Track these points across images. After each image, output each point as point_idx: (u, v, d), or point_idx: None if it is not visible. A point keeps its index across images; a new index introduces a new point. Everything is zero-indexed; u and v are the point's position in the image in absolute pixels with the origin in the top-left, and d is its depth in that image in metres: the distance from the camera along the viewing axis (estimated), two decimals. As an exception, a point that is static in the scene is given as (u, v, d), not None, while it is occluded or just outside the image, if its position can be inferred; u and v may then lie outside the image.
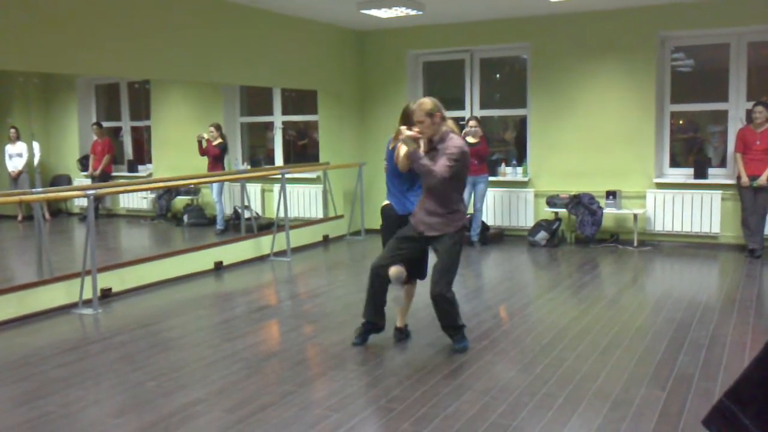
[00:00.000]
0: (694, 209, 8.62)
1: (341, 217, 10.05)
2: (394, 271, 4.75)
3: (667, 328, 5.29)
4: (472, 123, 8.85)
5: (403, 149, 4.78)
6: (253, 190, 10.60)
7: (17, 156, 11.19)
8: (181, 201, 11.30)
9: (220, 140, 9.96)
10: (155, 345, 5.14)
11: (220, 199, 9.99)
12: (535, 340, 5.08)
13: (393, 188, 5.04)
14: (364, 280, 7.03)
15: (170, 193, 11.21)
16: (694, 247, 8.68)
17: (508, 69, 10.65)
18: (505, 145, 10.53)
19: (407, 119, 4.85)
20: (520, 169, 9.62)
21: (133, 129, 12.31)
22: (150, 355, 4.89)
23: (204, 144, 9.96)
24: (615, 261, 8.04)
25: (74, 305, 6.17)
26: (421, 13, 8.27)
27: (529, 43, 9.37)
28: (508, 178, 9.63)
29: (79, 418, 3.83)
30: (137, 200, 11.79)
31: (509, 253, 8.73)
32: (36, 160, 11.18)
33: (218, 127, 10.03)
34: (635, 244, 8.74)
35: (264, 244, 8.56)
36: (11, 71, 9.07)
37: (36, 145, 11.28)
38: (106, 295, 6.51)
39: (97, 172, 11.27)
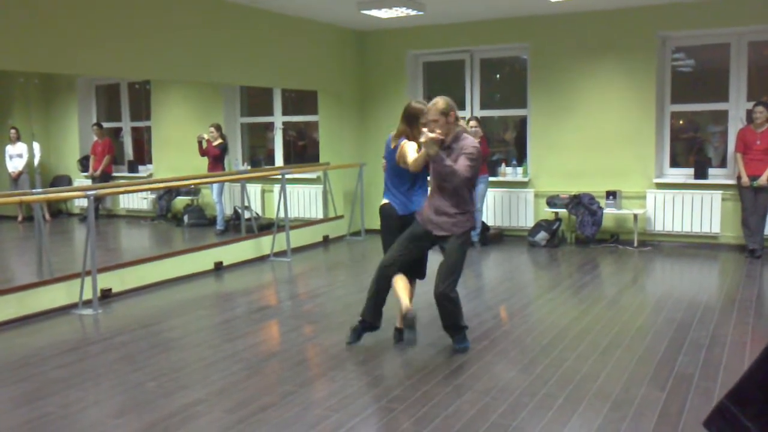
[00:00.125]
0: (695, 209, 8.61)
1: (341, 217, 10.05)
2: (408, 316, 4.61)
3: (667, 329, 5.29)
4: (472, 123, 8.85)
5: (409, 149, 4.71)
6: (254, 190, 10.60)
7: (17, 157, 11.20)
8: (181, 201, 11.30)
9: (220, 141, 9.96)
10: (155, 345, 5.14)
11: (220, 200, 9.99)
12: (535, 340, 5.08)
13: (393, 188, 4.98)
14: (364, 281, 7.05)
15: (170, 193, 11.21)
16: (694, 247, 8.67)
17: (508, 69, 10.65)
18: (505, 146, 10.53)
19: (412, 118, 4.82)
20: (520, 170, 9.62)
21: (134, 129, 12.32)
22: (150, 355, 4.89)
23: (204, 144, 9.96)
24: (615, 261, 8.04)
25: (74, 306, 6.17)
26: (421, 13, 8.28)
27: (529, 44, 9.37)
28: (508, 178, 9.63)
29: (79, 419, 3.83)
30: (137, 201, 11.79)
31: (509, 253, 8.73)
32: (36, 161, 11.18)
33: (218, 128, 10.04)
34: (635, 244, 8.74)
35: (264, 244, 8.57)
36: (12, 71, 9.07)
37: (36, 146, 11.28)
38: (107, 295, 6.51)
39: (98, 172, 11.27)
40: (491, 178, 9.29)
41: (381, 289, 4.87)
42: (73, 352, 5.01)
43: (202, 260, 7.69)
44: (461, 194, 4.69)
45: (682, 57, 9.19)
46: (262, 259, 8.43)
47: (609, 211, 8.83)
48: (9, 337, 5.45)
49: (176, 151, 11.25)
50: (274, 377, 4.43)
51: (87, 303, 6.17)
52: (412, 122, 4.86)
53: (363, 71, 10.35)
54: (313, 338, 5.31)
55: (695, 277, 7.44)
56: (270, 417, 3.77)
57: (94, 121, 12.15)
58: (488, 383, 4.22)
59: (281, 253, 8.54)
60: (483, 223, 9.21)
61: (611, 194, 8.81)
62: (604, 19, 8.83)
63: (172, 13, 7.30)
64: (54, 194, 7.76)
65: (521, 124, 9.93)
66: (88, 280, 6.17)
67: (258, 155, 11.66)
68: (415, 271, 4.99)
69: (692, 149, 9.59)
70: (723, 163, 8.86)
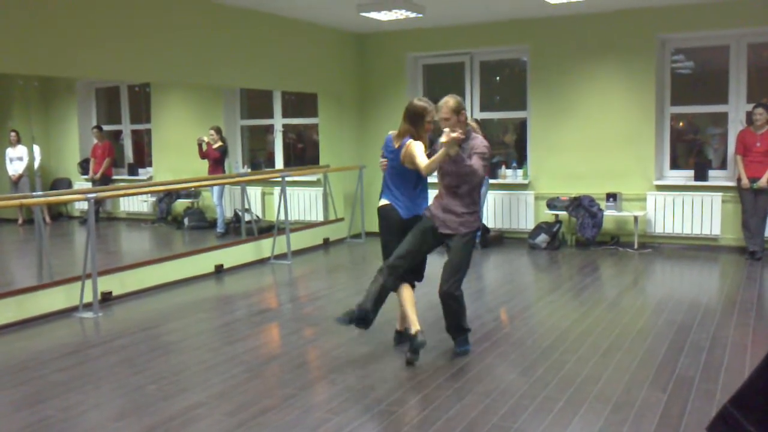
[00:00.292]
0: (695, 211, 8.61)
1: (341, 219, 10.05)
2: (419, 339, 4.53)
3: (667, 331, 5.29)
4: (473, 130, 8.84)
5: (417, 150, 4.59)
6: (254, 193, 10.60)
7: (18, 159, 11.20)
8: (181, 204, 11.30)
9: (220, 143, 9.96)
10: (156, 348, 5.13)
11: (220, 202, 9.99)
12: (535, 342, 5.08)
13: (395, 190, 4.83)
14: (364, 283, 7.03)
15: (171, 196, 11.22)
16: (694, 249, 8.67)
17: (508, 71, 10.66)
18: (505, 148, 10.53)
19: (416, 117, 4.71)
20: (520, 172, 9.61)
21: (134, 132, 12.32)
22: (150, 358, 4.88)
23: (204, 147, 9.97)
24: (615, 263, 8.04)
25: (75, 309, 6.17)
26: (421, 15, 8.27)
27: (529, 46, 9.37)
28: (509, 180, 9.63)
29: (80, 422, 3.82)
30: (138, 203, 11.79)
31: (509, 255, 8.73)
32: (36, 164, 11.19)
33: (218, 130, 10.04)
34: (636, 246, 8.74)
35: (264, 247, 8.56)
36: (11, 74, 9.07)
37: (36, 149, 11.29)
38: (107, 298, 6.51)
39: (98, 175, 11.27)
40: (491, 181, 9.30)
41: (388, 283, 4.67)
42: (74, 355, 5.01)
43: (203, 263, 7.68)
44: (471, 194, 4.69)
45: (682, 59, 9.20)
46: (262, 261, 8.43)
47: (609, 213, 8.82)
48: (9, 340, 5.44)
49: (176, 153, 11.25)
50: (275, 380, 4.42)
51: (87, 306, 6.16)
52: (416, 121, 4.74)
53: (363, 74, 10.35)
54: (313, 341, 5.31)
55: (696, 279, 7.44)
56: (270, 420, 3.76)
57: (94, 123, 12.15)
58: (489, 386, 4.22)
59: (281, 256, 8.53)
60: (483, 225, 9.21)
61: (611, 196, 8.81)
62: (604, 21, 8.84)
63: (172, 15, 7.31)
64: (54, 197, 7.76)
65: (521, 126, 9.93)
66: (88, 283, 6.17)
67: (258, 158, 11.66)
68: (414, 273, 4.92)
69: (692, 151, 9.59)
70: (723, 165, 8.86)
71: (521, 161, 9.79)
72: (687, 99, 9.03)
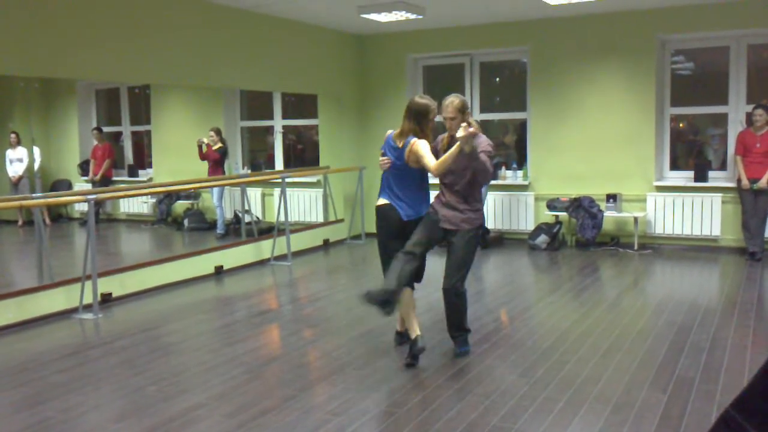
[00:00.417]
0: (695, 212, 8.61)
1: (342, 221, 10.05)
2: (419, 345, 4.50)
3: (667, 331, 5.29)
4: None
5: (424, 149, 4.51)
6: (254, 194, 10.60)
7: (18, 161, 11.19)
8: (181, 205, 11.30)
9: (220, 144, 9.96)
10: (156, 350, 5.13)
11: (220, 204, 9.99)
12: (536, 343, 5.08)
13: (397, 190, 4.72)
14: (364, 284, 7.05)
15: (171, 197, 11.21)
16: (694, 250, 8.67)
17: (508, 72, 10.66)
18: (506, 149, 10.53)
19: (421, 115, 4.62)
20: (520, 173, 9.61)
21: (134, 133, 12.31)
22: (150, 359, 4.88)
23: (204, 148, 9.96)
24: (615, 264, 8.03)
25: (74, 310, 6.17)
26: (421, 17, 8.28)
27: (529, 47, 9.38)
28: (509, 181, 9.63)
29: (80, 424, 3.82)
30: (138, 205, 11.78)
31: (510, 256, 8.73)
32: (36, 165, 11.17)
33: (218, 132, 10.04)
34: (636, 247, 8.73)
35: (264, 248, 8.56)
36: (12, 76, 9.07)
37: (36, 150, 11.27)
38: (107, 299, 6.51)
39: (98, 176, 11.26)
40: (491, 182, 9.28)
41: (406, 269, 4.51)
42: (74, 356, 5.01)
43: (203, 264, 7.68)
44: (472, 191, 4.68)
45: (682, 60, 9.20)
46: (262, 263, 8.43)
47: (609, 214, 8.82)
48: (9, 341, 5.44)
49: (176, 155, 11.24)
50: (275, 381, 4.42)
51: (87, 307, 6.16)
52: (421, 119, 4.63)
53: (363, 75, 10.36)
54: (313, 342, 5.30)
55: (696, 280, 7.44)
56: (270, 421, 3.76)
57: (94, 125, 12.14)
58: (489, 387, 4.22)
59: (282, 257, 8.53)
60: (476, 232, 9.18)
61: (611, 197, 8.81)
62: (604, 22, 8.84)
63: (172, 17, 7.31)
64: (54, 198, 7.75)
65: (521, 127, 9.93)
66: (88, 284, 6.17)
67: (258, 159, 11.66)
68: (414, 274, 4.80)
69: (692, 152, 9.59)
70: (723, 166, 8.86)
71: (521, 162, 9.79)
72: (687, 100, 9.03)
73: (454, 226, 4.67)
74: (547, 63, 9.26)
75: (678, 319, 5.60)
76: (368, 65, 10.32)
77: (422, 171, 4.70)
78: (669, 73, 8.96)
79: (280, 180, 8.63)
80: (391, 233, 4.74)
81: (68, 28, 6.30)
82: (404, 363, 4.60)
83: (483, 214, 4.86)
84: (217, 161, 9.95)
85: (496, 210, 9.60)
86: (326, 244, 9.63)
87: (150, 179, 11.61)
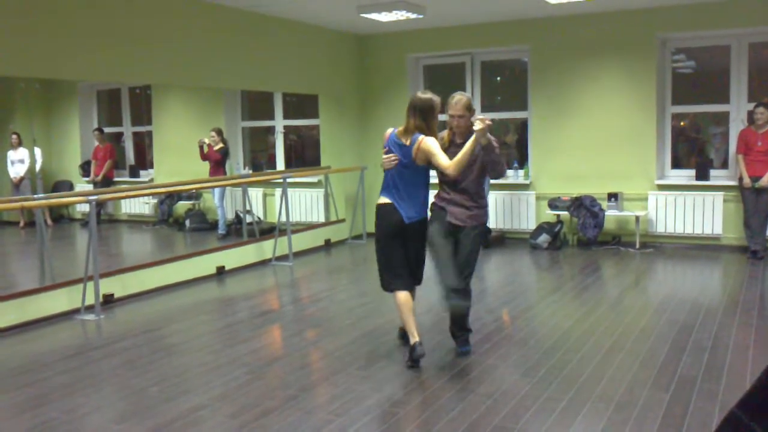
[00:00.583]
0: (696, 211, 8.60)
1: (343, 221, 10.05)
2: (418, 351, 4.47)
3: (669, 330, 5.28)
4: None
5: (435, 146, 4.42)
6: (255, 194, 10.60)
7: (19, 162, 11.20)
8: (182, 206, 11.30)
9: (221, 145, 9.96)
10: (157, 350, 5.13)
11: (221, 204, 9.99)
12: (537, 343, 5.08)
13: (403, 190, 4.57)
14: (366, 285, 7.06)
15: (172, 198, 11.22)
16: (696, 248, 8.66)
17: (509, 72, 10.66)
18: (507, 148, 10.52)
19: (427, 111, 4.51)
20: (521, 172, 9.61)
21: (135, 134, 12.32)
22: (152, 360, 4.88)
23: (205, 149, 9.97)
24: (617, 263, 8.03)
25: (76, 311, 6.17)
26: (421, 16, 8.28)
27: (530, 46, 9.37)
28: (510, 180, 9.62)
29: (82, 425, 3.82)
30: (139, 205, 11.79)
31: (511, 256, 8.73)
32: (38, 166, 11.19)
33: (219, 132, 10.04)
34: (637, 246, 8.73)
35: (266, 248, 8.56)
36: (13, 77, 9.08)
37: (38, 151, 11.29)
38: (108, 300, 6.51)
39: (99, 177, 11.27)
40: (492, 181, 9.27)
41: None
42: (76, 357, 5.01)
43: (204, 265, 7.68)
44: (476, 188, 4.67)
45: (683, 58, 9.19)
46: (264, 263, 8.43)
47: (611, 213, 8.82)
48: (11, 343, 5.45)
49: (177, 155, 11.25)
50: (277, 382, 4.42)
51: (89, 308, 6.17)
52: (428, 115, 4.52)
53: (363, 75, 10.35)
54: (315, 342, 5.31)
55: (697, 278, 7.43)
56: (272, 422, 3.76)
57: (96, 126, 12.16)
58: (491, 386, 4.21)
59: (283, 257, 8.53)
60: (481, 229, 9.18)
61: (613, 196, 8.80)
62: (604, 21, 8.83)
63: (173, 18, 7.31)
64: (55, 199, 7.75)
65: (522, 126, 9.93)
66: (90, 285, 6.17)
67: (259, 159, 11.67)
68: (412, 277, 4.76)
69: (693, 151, 9.59)
70: (724, 165, 8.85)
71: (522, 161, 9.78)
72: (688, 98, 9.03)
73: (461, 222, 4.64)
74: (547, 62, 9.26)
75: (680, 318, 5.60)
76: (369, 65, 10.32)
77: (426, 170, 4.63)
78: (670, 72, 8.96)
79: (281, 180, 8.63)
80: (391, 234, 4.62)
81: (69, 29, 6.30)
82: (405, 365, 4.58)
83: (487, 210, 4.86)
84: (218, 161, 9.95)
85: (497, 209, 9.59)
86: (328, 245, 9.63)
87: (151, 180, 11.62)
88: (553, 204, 9.06)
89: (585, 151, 9.12)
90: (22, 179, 11.12)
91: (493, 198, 9.50)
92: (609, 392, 4.06)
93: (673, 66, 9.01)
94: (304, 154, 11.54)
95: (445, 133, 4.72)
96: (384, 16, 8.18)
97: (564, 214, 9.04)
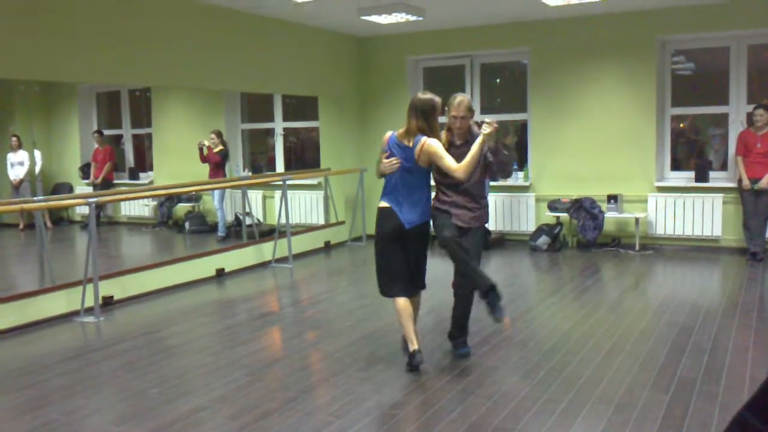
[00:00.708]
0: (696, 213, 8.61)
1: (343, 223, 10.05)
2: (416, 359, 4.44)
3: (669, 332, 5.28)
4: (476, 128, 8.84)
5: (441, 149, 4.36)
6: (255, 196, 10.60)
7: (19, 164, 11.20)
8: (182, 208, 11.30)
9: (221, 147, 9.97)
10: (157, 352, 5.13)
11: (221, 206, 9.99)
12: (537, 344, 5.08)
13: (405, 193, 4.48)
14: (365, 286, 7.06)
15: (171, 200, 11.21)
16: (695, 250, 8.66)
17: (509, 74, 10.66)
18: (506, 150, 10.51)
19: (430, 112, 4.44)
20: (521, 174, 9.62)
21: (135, 136, 12.32)
22: (152, 362, 4.88)
23: (205, 151, 9.97)
24: (617, 265, 8.03)
25: (76, 313, 6.17)
26: (421, 18, 8.27)
27: (529, 48, 9.38)
28: (510, 182, 9.61)
29: (82, 427, 3.82)
30: (138, 208, 11.79)
31: (511, 257, 8.73)
32: (37, 169, 11.19)
33: (219, 134, 10.04)
34: (637, 248, 8.73)
35: (265, 250, 8.56)
36: (13, 79, 9.08)
37: (37, 154, 11.29)
38: (108, 302, 6.51)
39: (99, 179, 11.27)
40: (492, 183, 9.27)
41: (461, 259, 4.48)
42: (75, 359, 5.01)
43: (204, 267, 7.68)
44: (479, 189, 4.67)
45: (682, 60, 9.20)
46: (263, 265, 8.43)
47: (610, 215, 8.82)
48: (11, 345, 5.45)
49: (177, 157, 11.25)
50: (277, 383, 4.42)
51: (89, 310, 6.16)
52: (430, 116, 4.44)
53: (363, 77, 10.36)
54: (315, 344, 5.30)
55: (697, 280, 7.43)
56: (272, 423, 3.76)
57: (95, 128, 12.16)
58: (490, 388, 4.21)
59: (283, 260, 8.53)
60: (484, 229, 9.19)
61: (612, 198, 8.81)
62: (604, 23, 8.84)
63: (173, 19, 7.32)
64: (55, 202, 7.75)
65: (522, 128, 9.93)
66: (89, 287, 6.17)
67: (259, 161, 11.67)
68: (415, 281, 4.69)
69: (693, 152, 9.59)
70: (724, 167, 8.86)
71: (522, 163, 9.78)
72: (687, 100, 9.04)
73: (466, 224, 4.64)
74: (547, 64, 9.27)
75: (679, 320, 5.60)
76: (369, 67, 10.33)
77: (428, 172, 4.56)
78: (669, 74, 8.97)
79: (281, 182, 8.63)
80: (391, 239, 4.52)
81: (69, 31, 6.31)
82: (405, 369, 4.56)
83: (488, 209, 4.86)
84: (218, 164, 9.95)
85: (497, 211, 9.59)
86: (327, 247, 9.63)
87: (151, 182, 11.61)
88: (553, 206, 9.06)
89: (585, 153, 9.13)
90: (21, 181, 11.11)
91: (493, 200, 9.49)
92: (609, 394, 4.06)
93: (673, 68, 9.02)
94: (303, 156, 11.54)
95: (443, 135, 4.68)
96: (384, 19, 8.18)
97: (564, 215, 9.05)
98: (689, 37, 8.71)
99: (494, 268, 8.25)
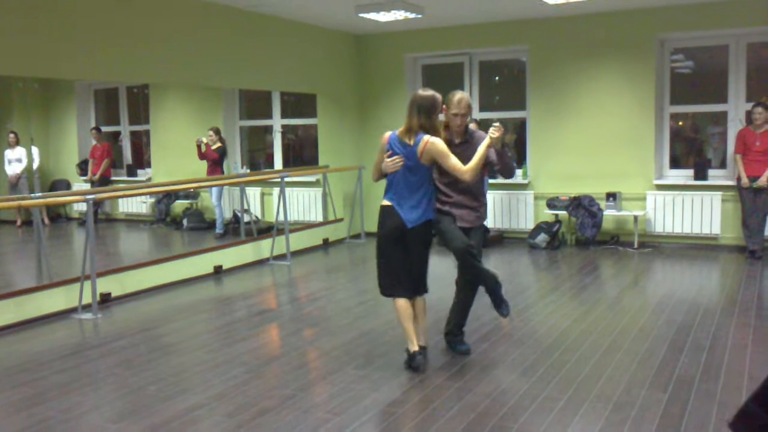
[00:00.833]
0: (695, 211, 8.61)
1: (341, 220, 10.04)
2: (417, 360, 4.47)
3: (668, 330, 5.28)
4: (472, 126, 8.83)
5: (445, 148, 4.33)
6: (253, 193, 10.59)
7: (16, 161, 11.18)
8: (180, 205, 11.29)
9: (219, 144, 9.95)
10: (155, 350, 5.12)
11: (219, 203, 9.98)
12: (536, 342, 5.07)
13: (407, 192, 4.41)
14: (364, 284, 7.06)
15: (169, 197, 11.20)
16: (694, 248, 8.66)
17: (507, 71, 10.65)
18: (509, 152, 10.51)
19: (432, 109, 4.38)
20: (519, 172, 9.60)
21: (132, 133, 12.30)
22: (150, 359, 4.87)
23: (203, 148, 9.95)
24: (615, 263, 8.03)
25: (74, 310, 6.16)
26: (419, 16, 8.27)
27: (528, 46, 9.37)
28: (508, 180, 9.57)
29: (79, 424, 3.81)
30: (136, 205, 11.77)
31: (509, 255, 8.72)
32: (35, 165, 11.17)
33: (217, 131, 10.03)
34: (636, 245, 8.73)
35: (264, 247, 8.55)
36: (10, 76, 9.07)
37: (35, 150, 11.26)
38: (106, 299, 6.50)
39: (96, 176, 11.25)
40: (491, 181, 9.28)
41: (475, 266, 4.55)
42: (73, 356, 5.00)
43: (202, 264, 7.67)
44: (479, 187, 4.67)
45: (681, 58, 9.19)
46: (261, 262, 8.42)
47: (609, 213, 8.82)
48: (8, 342, 5.43)
49: (175, 154, 11.23)
50: (274, 381, 4.41)
51: (86, 307, 6.15)
52: (431, 113, 4.37)
53: (362, 74, 10.35)
54: (313, 342, 5.29)
55: (696, 278, 7.43)
56: (270, 421, 3.75)
57: (93, 125, 12.14)
58: (489, 386, 4.21)
59: (281, 257, 8.52)
60: (483, 225, 9.18)
61: (611, 196, 8.80)
62: (603, 21, 8.83)
63: (171, 17, 7.29)
64: (53, 198, 7.75)
65: (521, 126, 9.92)
66: (87, 284, 6.16)
67: (257, 158, 11.65)
68: (417, 286, 4.59)
69: (692, 150, 9.59)
70: (723, 165, 8.86)
71: (521, 161, 9.78)
72: (686, 98, 9.04)
73: (469, 224, 4.65)
74: (546, 62, 9.26)
75: (678, 318, 5.60)
76: (367, 65, 10.32)
77: (431, 170, 4.48)
78: (668, 72, 8.96)
79: (279, 179, 8.62)
80: (392, 238, 4.47)
81: (68, 28, 6.29)
82: (404, 366, 4.54)
83: (487, 207, 4.88)
84: (216, 161, 9.94)
85: (495, 209, 9.59)
86: (326, 244, 9.62)
87: (149, 179, 11.60)
88: (552, 203, 9.06)
89: (583, 151, 9.12)
90: (19, 178, 11.09)
91: (492, 197, 9.49)
92: (607, 392, 4.06)
93: (672, 66, 9.01)
94: (302, 153, 11.53)
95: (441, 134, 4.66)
96: (382, 16, 8.17)
97: (562, 213, 9.04)
98: (688, 35, 8.70)
99: (493, 265, 8.24)
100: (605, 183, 8.98)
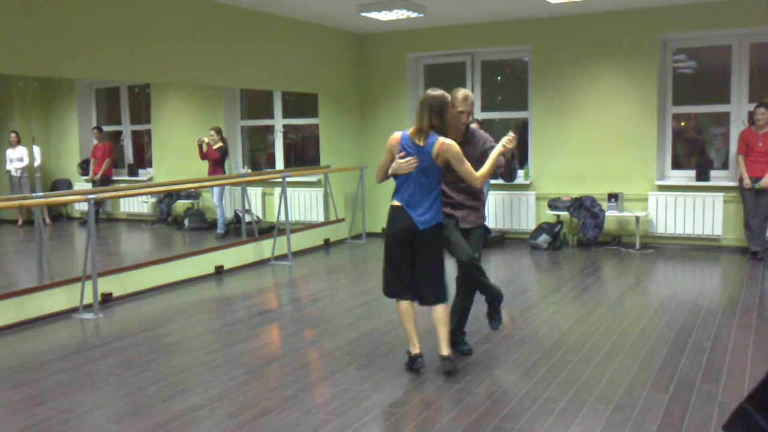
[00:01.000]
0: (697, 211, 8.59)
1: (342, 220, 10.03)
2: (418, 362, 4.49)
3: (669, 331, 5.27)
4: (473, 126, 8.82)
5: (460, 152, 4.30)
6: (254, 193, 10.59)
7: (18, 160, 11.19)
8: (181, 205, 11.29)
9: (220, 144, 9.95)
10: (156, 350, 5.12)
11: (220, 203, 9.97)
12: (537, 343, 5.06)
13: (420, 194, 4.32)
14: (365, 284, 7.05)
15: (171, 197, 11.21)
16: (696, 249, 8.65)
17: (509, 71, 10.64)
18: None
19: (443, 109, 4.31)
20: (521, 172, 9.59)
21: (134, 133, 12.32)
22: (150, 359, 4.87)
23: (204, 148, 9.95)
24: (617, 264, 8.02)
25: (75, 310, 6.16)
26: (421, 15, 8.26)
27: (530, 46, 9.36)
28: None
29: (80, 424, 3.81)
30: (138, 204, 11.78)
31: (511, 256, 8.71)
32: (36, 165, 11.18)
33: (219, 131, 10.02)
34: (637, 246, 8.72)
35: (265, 248, 8.55)
36: (11, 75, 9.07)
37: (36, 150, 11.28)
38: (107, 299, 6.50)
39: (98, 176, 11.26)
40: (492, 181, 9.27)
41: (479, 279, 4.61)
42: (74, 356, 4.99)
43: (203, 264, 7.67)
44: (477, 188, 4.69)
45: (684, 59, 9.18)
46: (262, 262, 8.41)
47: (611, 214, 8.81)
48: (9, 341, 5.43)
49: (176, 154, 11.24)
50: (275, 381, 4.41)
51: (87, 307, 6.15)
52: (443, 113, 4.30)
53: (363, 74, 10.34)
54: (314, 342, 5.29)
55: (697, 279, 7.41)
56: (271, 421, 3.75)
57: (94, 124, 12.15)
58: (490, 387, 4.20)
59: (282, 257, 8.52)
60: (484, 225, 9.16)
61: (613, 197, 8.79)
62: (605, 21, 8.82)
63: (172, 16, 7.29)
64: (54, 198, 7.75)
65: (523, 126, 9.91)
66: (88, 284, 6.16)
67: (258, 158, 11.65)
68: (425, 290, 4.48)
69: (694, 151, 9.57)
70: (725, 165, 8.84)
71: (522, 162, 9.76)
72: (689, 99, 9.02)
73: (471, 224, 4.66)
74: (548, 62, 9.25)
75: (680, 319, 5.59)
76: (369, 64, 10.31)
77: (441, 171, 4.39)
78: (671, 72, 8.95)
79: (280, 179, 8.61)
80: (401, 239, 4.39)
81: (69, 27, 6.28)
82: (405, 368, 4.54)
83: (485, 205, 4.90)
84: (217, 160, 9.93)
85: (497, 209, 9.58)
86: (327, 244, 9.62)
87: (150, 179, 11.61)
88: (553, 204, 9.05)
89: (585, 151, 9.11)
90: (20, 177, 11.10)
91: (493, 198, 9.49)
92: (608, 393, 4.05)
93: (674, 66, 9.00)
94: (303, 153, 11.53)
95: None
96: (384, 15, 8.17)
97: (564, 214, 9.03)
98: (691, 35, 8.69)
99: (494, 266, 8.24)
100: (607, 184, 8.97)
